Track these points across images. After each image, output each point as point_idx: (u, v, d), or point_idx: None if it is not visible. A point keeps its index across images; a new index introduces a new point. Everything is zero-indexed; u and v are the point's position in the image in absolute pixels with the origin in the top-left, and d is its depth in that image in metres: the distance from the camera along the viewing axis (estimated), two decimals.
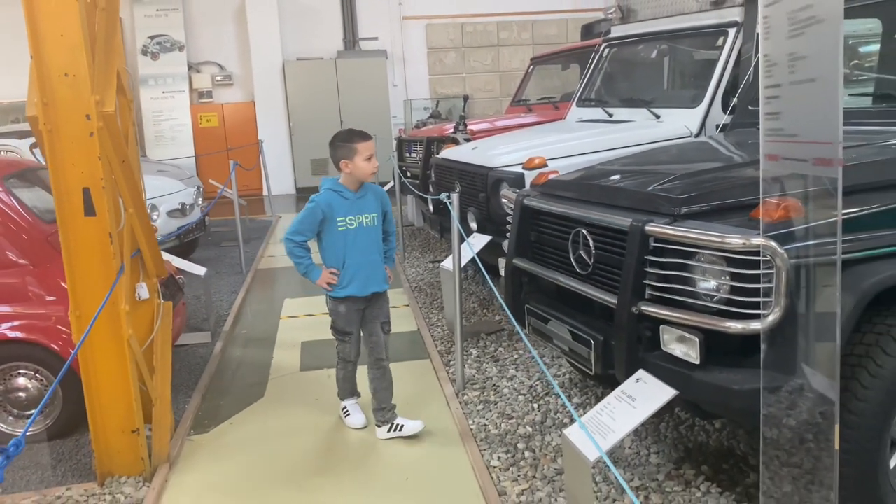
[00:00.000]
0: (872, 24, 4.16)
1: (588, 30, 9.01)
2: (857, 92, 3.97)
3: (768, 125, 1.85)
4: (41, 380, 3.64)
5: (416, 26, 13.64)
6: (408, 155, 8.21)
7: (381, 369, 3.52)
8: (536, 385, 3.99)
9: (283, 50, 12.83)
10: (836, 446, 1.76)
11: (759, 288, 2.18)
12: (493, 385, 4.04)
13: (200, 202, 7.44)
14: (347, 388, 3.69)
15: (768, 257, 2.16)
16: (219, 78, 13.14)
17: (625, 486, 1.81)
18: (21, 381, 3.64)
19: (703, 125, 4.96)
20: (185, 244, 7.08)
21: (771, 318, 2.16)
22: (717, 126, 4.74)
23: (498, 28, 13.89)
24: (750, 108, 4.04)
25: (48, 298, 3.69)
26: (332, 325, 3.51)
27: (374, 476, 3.17)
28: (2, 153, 6.45)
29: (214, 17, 13.03)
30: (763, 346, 2.15)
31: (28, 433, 3.54)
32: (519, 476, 3.07)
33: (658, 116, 5.26)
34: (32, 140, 6.64)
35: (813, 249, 2.17)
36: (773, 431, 2.13)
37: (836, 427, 1.74)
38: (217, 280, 6.72)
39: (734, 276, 2.28)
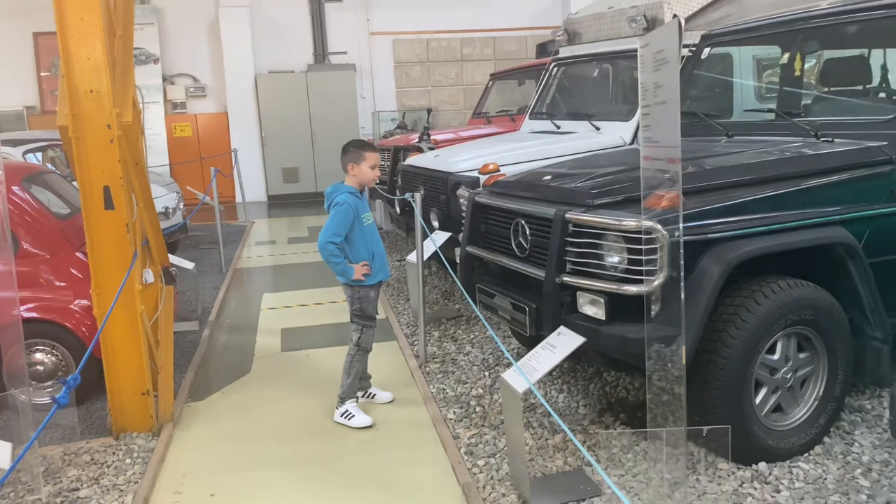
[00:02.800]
0: (774, 50, 4.91)
1: (542, 49, 9.75)
2: (762, 108, 4.69)
3: (644, 135, 2.51)
4: (57, 355, 4.17)
5: (384, 41, 14.28)
6: None
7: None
8: (489, 358, 4.63)
9: (256, 63, 13.37)
10: (683, 361, 2.41)
11: (647, 259, 2.85)
12: (452, 359, 4.67)
13: (181, 206, 7.96)
14: (355, 386, 3.89)
15: (655, 236, 2.82)
16: (192, 89, 13.62)
17: (549, 408, 2.44)
18: (38, 356, 4.16)
19: (635, 135, 5.66)
20: (167, 245, 7.57)
21: (656, 283, 2.82)
22: None
23: (461, 44, 14.59)
24: None
25: (59, 284, 4.23)
26: (358, 314, 3.82)
27: (350, 429, 3.77)
28: None
29: (188, 30, 13.52)
30: (648, 305, 2.81)
31: (44, 402, 4.09)
32: (470, 425, 3.70)
33: (598, 128, 5.96)
34: (25, 147, 7.13)
35: (687, 231, 2.87)
36: (657, 369, 2.78)
37: (683, 349, 2.40)
38: (199, 278, 7.23)
39: (630, 251, 2.94)
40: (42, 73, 13.40)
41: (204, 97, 13.71)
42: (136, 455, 3.55)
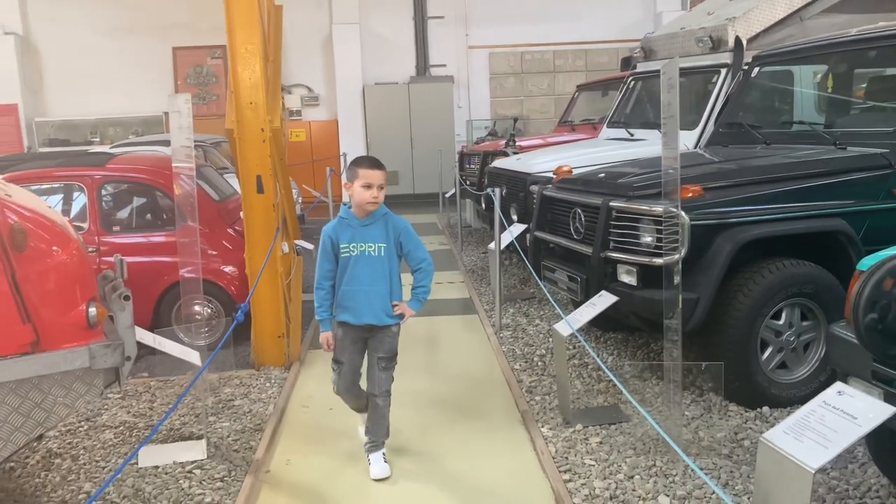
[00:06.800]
0: (821, 69, 5.51)
1: (626, 62, 10.41)
2: (792, 120, 5.31)
3: (663, 140, 3.32)
4: (210, 307, 5.34)
5: (480, 54, 15.28)
6: (468, 166, 9.81)
7: (373, 403, 3.40)
8: None
9: (364, 75, 14.66)
10: (679, 311, 3.19)
11: (670, 238, 3.64)
12: (523, 329, 5.55)
13: (299, 201, 9.21)
14: (352, 407, 3.62)
15: (677, 220, 3.60)
16: (307, 99, 15.07)
17: (586, 345, 3.28)
18: (196, 307, 5.33)
19: (698, 142, 6.35)
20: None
21: (677, 256, 3.60)
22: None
23: (554, 56, 15.39)
24: (720, 130, 5.46)
25: (213, 252, 5.39)
26: None
27: (436, 373, 4.72)
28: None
29: (305, 45, 14.95)
30: (669, 274, 3.59)
31: (202, 343, 5.23)
32: (532, 374, 4.58)
33: None
34: None
35: (707, 216, 3.65)
36: (674, 325, 3.55)
37: (679, 306, 3.18)
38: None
39: (658, 232, 3.74)
40: (178, 82, 15.17)
41: (317, 106, 15.14)
42: (273, 381, 4.63)
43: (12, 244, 2.36)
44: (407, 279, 3.40)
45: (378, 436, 3.45)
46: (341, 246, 3.27)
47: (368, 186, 3.21)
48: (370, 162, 3.27)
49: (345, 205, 3.37)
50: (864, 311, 1.94)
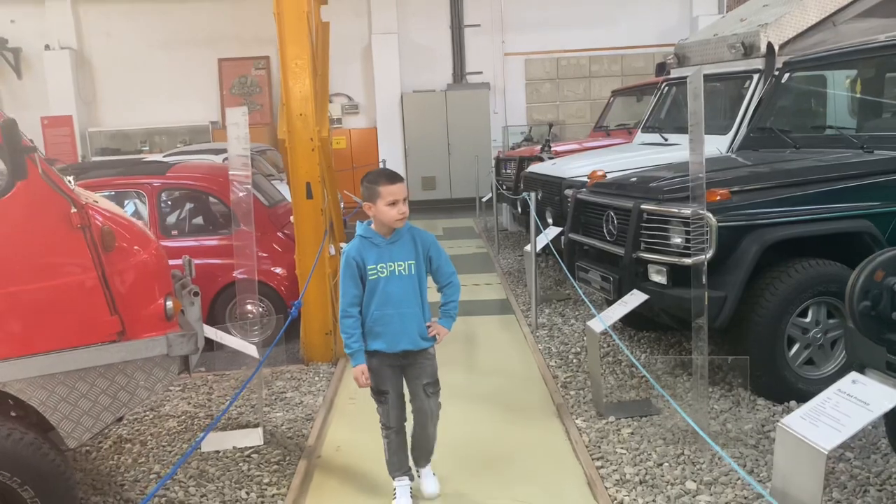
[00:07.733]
0: (849, 74, 5.62)
1: (660, 68, 10.55)
2: (821, 124, 5.43)
3: (690, 146, 3.51)
4: (262, 307, 5.65)
5: (516, 61, 15.50)
6: (504, 171, 10.05)
7: (424, 433, 3.24)
8: None
9: (402, 83, 15.00)
10: (705, 307, 3.38)
11: (698, 239, 3.82)
12: (558, 328, 5.75)
13: (343, 206, 9.53)
14: (394, 462, 3.27)
15: (705, 222, 3.78)
16: (347, 107, 15.47)
17: (619, 342, 3.48)
18: (249, 306, 5.66)
19: (730, 147, 6.48)
20: None
21: (704, 257, 3.78)
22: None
23: (590, 61, 15.53)
24: (751, 135, 5.60)
25: (264, 255, 5.71)
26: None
27: (475, 369, 4.96)
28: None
29: (345, 54, 15.32)
30: (696, 274, 3.77)
31: (253, 341, 5.54)
32: (567, 370, 4.78)
33: None
34: (223, 156, 8.92)
35: (735, 217, 3.83)
36: (701, 323, 3.73)
37: (706, 299, 3.36)
38: None
39: (687, 233, 3.92)
40: (224, 92, 15.68)
41: (357, 114, 15.52)
42: (321, 375, 4.92)
43: (102, 244, 2.67)
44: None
45: (428, 451, 3.33)
46: (368, 267, 3.04)
47: (394, 203, 2.97)
48: (389, 177, 3.03)
49: (361, 222, 3.15)
50: (857, 300, 2.13)
